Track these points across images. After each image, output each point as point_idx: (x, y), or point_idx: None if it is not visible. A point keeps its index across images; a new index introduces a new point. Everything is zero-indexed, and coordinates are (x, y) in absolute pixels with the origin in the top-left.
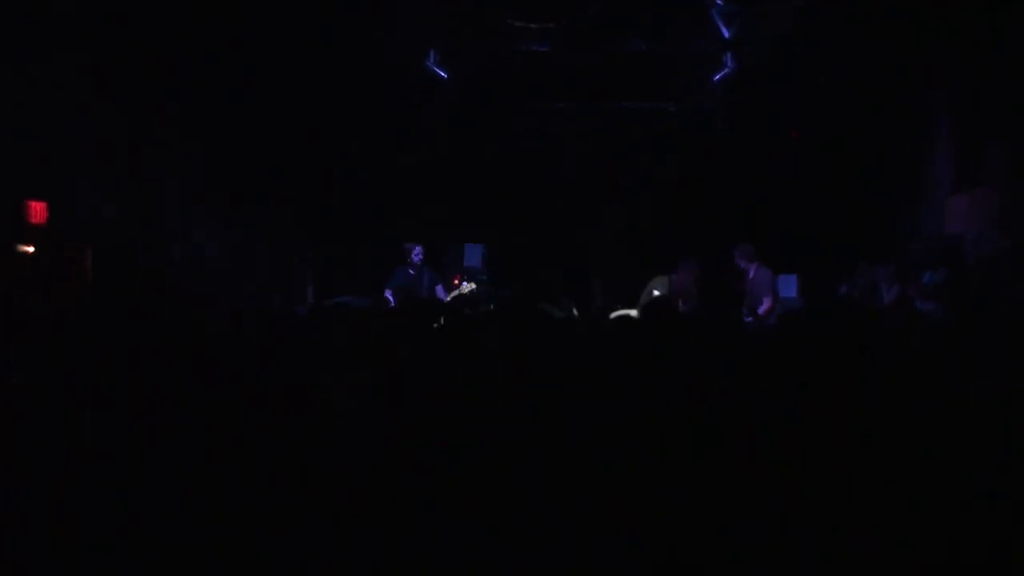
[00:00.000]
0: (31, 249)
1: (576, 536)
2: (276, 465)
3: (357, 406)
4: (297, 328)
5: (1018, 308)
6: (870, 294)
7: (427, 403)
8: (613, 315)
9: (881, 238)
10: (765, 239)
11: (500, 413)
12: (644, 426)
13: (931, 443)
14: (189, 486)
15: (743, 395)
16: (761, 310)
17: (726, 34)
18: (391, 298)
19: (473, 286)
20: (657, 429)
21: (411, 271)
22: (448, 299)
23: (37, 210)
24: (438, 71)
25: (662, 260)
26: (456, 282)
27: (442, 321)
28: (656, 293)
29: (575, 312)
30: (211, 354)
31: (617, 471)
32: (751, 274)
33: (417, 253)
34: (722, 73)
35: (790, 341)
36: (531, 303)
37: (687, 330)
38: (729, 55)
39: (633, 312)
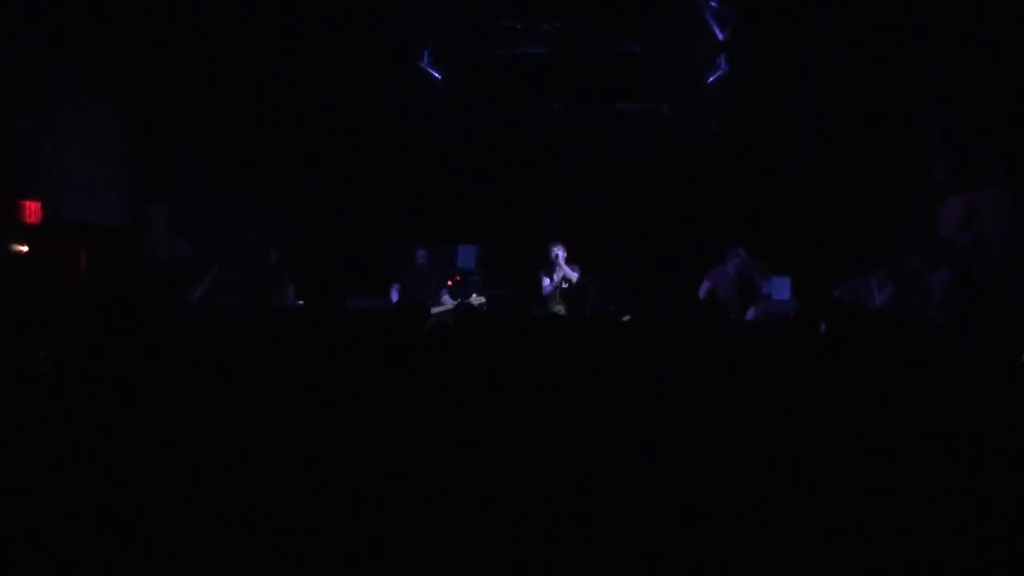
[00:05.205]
0: (26, 249)
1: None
2: (268, 458)
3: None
4: (292, 326)
5: (1016, 311)
6: (863, 296)
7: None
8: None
9: (873, 239)
10: (758, 240)
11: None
12: (640, 426)
13: (927, 443)
14: (187, 480)
15: (738, 396)
16: (750, 315)
17: (720, 36)
18: (395, 299)
19: (483, 300)
20: (652, 428)
21: (417, 272)
22: (453, 306)
23: (32, 210)
24: (432, 72)
25: (656, 261)
26: (451, 283)
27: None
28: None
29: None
30: (205, 350)
31: (614, 470)
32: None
33: (422, 256)
34: (716, 75)
35: (784, 343)
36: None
37: (680, 334)
38: (723, 57)
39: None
